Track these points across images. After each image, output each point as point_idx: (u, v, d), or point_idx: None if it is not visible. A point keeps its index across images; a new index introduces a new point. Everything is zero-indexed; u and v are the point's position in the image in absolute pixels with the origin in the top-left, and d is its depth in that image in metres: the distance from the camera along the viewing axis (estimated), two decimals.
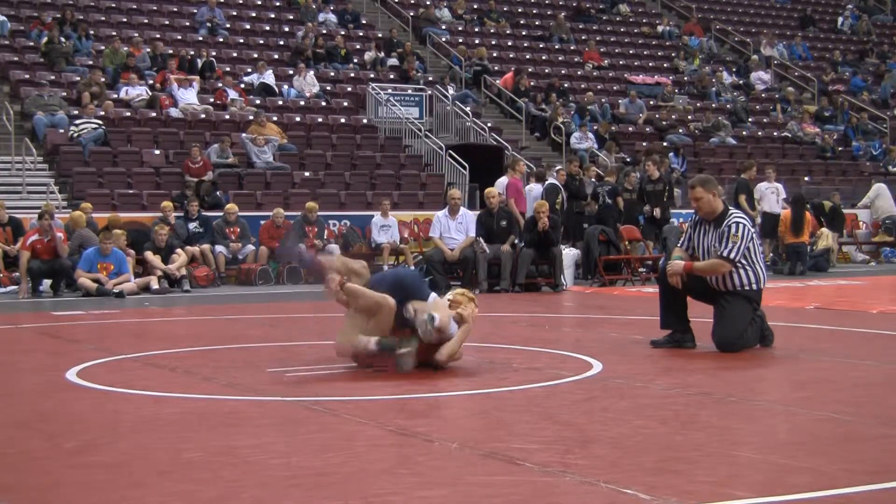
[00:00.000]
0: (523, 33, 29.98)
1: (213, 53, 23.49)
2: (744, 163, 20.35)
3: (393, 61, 25.46)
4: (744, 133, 26.85)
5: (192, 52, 22.75)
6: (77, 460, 4.42)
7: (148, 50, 22.37)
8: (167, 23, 24.85)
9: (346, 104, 23.09)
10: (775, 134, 27.46)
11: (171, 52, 22.66)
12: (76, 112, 19.61)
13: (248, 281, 16.18)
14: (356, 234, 18.17)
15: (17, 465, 4.35)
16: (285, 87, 22.91)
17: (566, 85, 26.88)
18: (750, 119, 27.99)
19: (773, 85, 30.70)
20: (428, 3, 29.29)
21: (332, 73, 24.44)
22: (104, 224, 15.62)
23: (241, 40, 24.97)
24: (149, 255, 15.20)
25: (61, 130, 19.10)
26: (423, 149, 21.93)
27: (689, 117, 26.76)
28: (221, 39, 24.62)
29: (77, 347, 8.66)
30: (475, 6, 30.38)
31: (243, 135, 19.67)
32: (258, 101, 21.83)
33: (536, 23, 30.94)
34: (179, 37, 24.18)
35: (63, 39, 21.89)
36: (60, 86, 20.66)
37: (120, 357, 7.72)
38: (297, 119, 21.87)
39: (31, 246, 14.13)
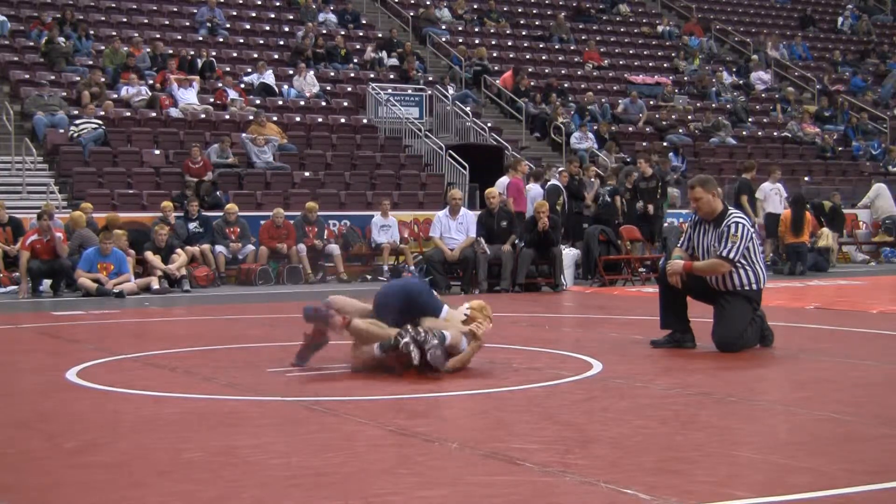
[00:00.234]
0: (523, 33, 29.98)
1: (213, 53, 23.49)
2: (744, 163, 20.35)
3: (393, 61, 25.47)
4: (744, 133, 26.86)
5: (192, 52, 22.75)
6: (77, 460, 4.42)
7: (148, 50, 22.37)
8: (167, 23, 24.85)
9: (346, 104, 23.09)
10: (775, 134, 27.46)
11: (171, 52, 22.66)
12: (76, 112, 19.61)
13: (248, 281, 16.18)
14: (356, 234, 18.17)
15: (17, 465, 4.35)
16: (285, 87, 22.92)
17: (566, 85, 26.88)
18: (750, 119, 28.00)
19: (773, 85, 30.70)
20: (428, 3, 29.29)
21: (332, 73, 24.44)
22: (103, 224, 15.62)
23: (241, 40, 24.97)
24: (149, 255, 15.20)
25: (61, 130, 19.10)
26: (423, 149, 21.93)
27: (689, 117, 26.77)
28: (221, 39, 24.63)
29: (77, 347, 8.66)
30: (475, 6, 30.38)
31: (243, 135, 19.67)
32: (258, 101, 21.84)
33: (536, 23, 30.95)
34: (179, 37, 24.19)
35: (63, 39, 21.89)
36: (60, 86, 20.67)
37: (120, 357, 7.72)
38: (297, 119, 21.87)
39: (30, 246, 14.13)
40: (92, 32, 22.99)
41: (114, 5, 25.02)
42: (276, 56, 24.46)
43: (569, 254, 15.53)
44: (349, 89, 23.89)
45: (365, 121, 22.49)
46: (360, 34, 27.05)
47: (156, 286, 14.75)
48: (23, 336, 9.81)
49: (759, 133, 27.34)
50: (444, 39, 27.48)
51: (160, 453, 4.47)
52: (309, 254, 16.82)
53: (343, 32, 26.31)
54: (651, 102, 27.08)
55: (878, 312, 10.76)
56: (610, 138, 24.00)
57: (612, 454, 4.39)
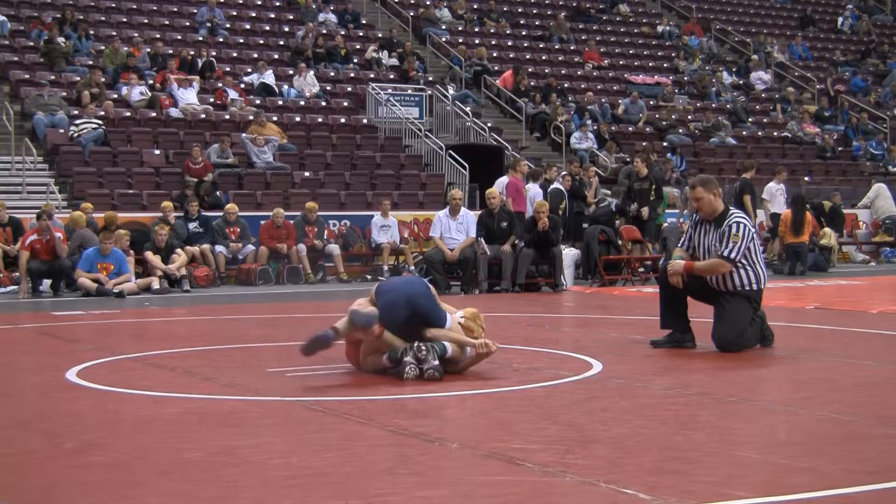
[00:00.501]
0: (523, 33, 29.98)
1: (213, 53, 23.49)
2: (743, 163, 20.34)
3: (393, 61, 25.47)
4: (744, 133, 26.86)
5: (192, 52, 22.75)
6: (77, 460, 4.42)
7: (148, 50, 22.37)
8: (167, 23, 24.85)
9: (346, 104, 23.09)
10: (775, 134, 27.46)
11: (171, 52, 22.66)
12: (76, 112, 19.62)
13: (248, 281, 16.17)
14: (356, 234, 18.17)
15: (17, 465, 4.35)
16: (285, 87, 22.92)
17: (566, 85, 26.88)
18: (750, 119, 28.00)
19: (773, 85, 30.70)
20: (428, 3, 29.28)
21: (332, 73, 24.45)
22: (102, 223, 15.62)
23: (241, 40, 24.97)
24: (149, 255, 15.21)
25: (61, 130, 19.10)
26: (423, 149, 21.93)
27: (689, 117, 26.76)
28: (221, 39, 24.63)
29: (77, 347, 8.66)
30: (475, 6, 30.38)
31: (243, 135, 19.67)
32: (258, 101, 21.84)
33: (536, 23, 30.94)
34: (179, 37, 24.19)
35: (63, 39, 21.89)
36: (60, 86, 20.67)
37: (120, 357, 7.72)
38: (297, 119, 21.87)
39: (30, 246, 14.12)
40: (92, 32, 22.99)
41: (114, 5, 25.02)
42: (276, 56, 24.46)
43: (569, 254, 15.53)
44: (349, 89, 23.89)
45: (365, 121, 22.49)
46: (360, 34, 27.05)
47: (156, 286, 14.75)
48: (23, 336, 9.81)
49: (759, 133, 27.34)
50: (444, 39, 27.48)
51: (160, 453, 4.47)
52: (309, 254, 16.82)
53: (343, 32, 26.31)
54: (651, 102, 27.08)
55: (878, 312, 10.76)
56: (610, 138, 24.00)
57: (612, 454, 4.39)
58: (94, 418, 5.40)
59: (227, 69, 23.06)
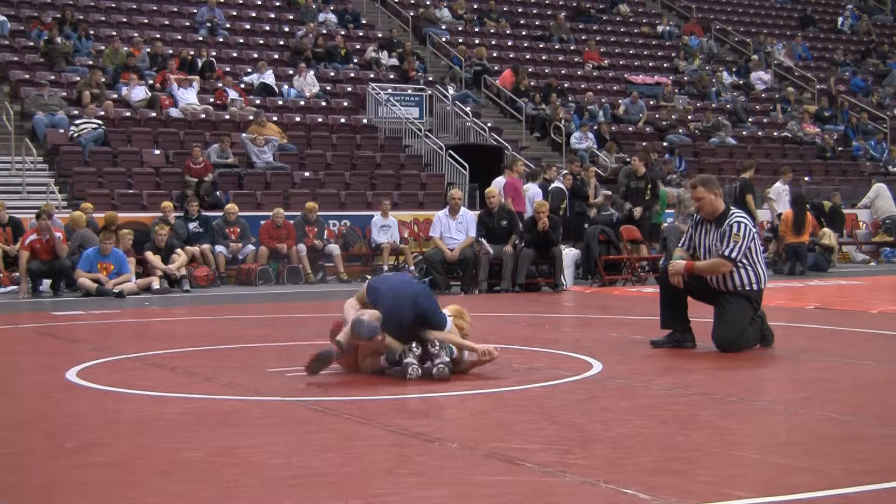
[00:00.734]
0: (523, 33, 29.98)
1: (213, 53, 23.49)
2: (742, 163, 20.33)
3: (393, 61, 25.47)
4: (744, 133, 26.86)
5: (192, 52, 22.75)
6: (77, 460, 4.42)
7: (148, 50, 22.37)
8: (167, 23, 24.85)
9: (346, 104, 23.09)
10: (775, 134, 27.46)
11: (171, 52, 22.66)
12: (76, 112, 19.62)
13: (248, 281, 16.17)
14: (356, 234, 18.17)
15: (17, 465, 4.35)
16: (285, 87, 22.92)
17: (566, 85, 26.88)
18: (750, 119, 27.99)
19: (773, 85, 30.70)
20: (428, 3, 29.28)
21: (332, 73, 24.44)
22: (103, 223, 15.62)
23: (241, 40, 24.97)
24: (149, 255, 15.21)
25: (61, 130, 19.10)
26: (423, 149, 21.93)
27: (689, 117, 26.76)
28: (221, 39, 24.63)
29: (77, 347, 8.66)
30: (475, 6, 30.37)
31: (243, 135, 19.67)
32: (258, 101, 21.84)
33: (536, 23, 30.94)
34: (179, 37, 24.19)
35: (63, 39, 21.89)
36: (60, 86, 20.67)
37: (120, 357, 7.72)
38: (297, 119, 21.87)
39: (29, 246, 14.12)
40: (92, 32, 22.99)
41: (114, 5, 25.02)
42: (276, 56, 24.46)
43: (569, 254, 15.52)
44: (349, 89, 23.89)
45: (365, 121, 22.49)
46: (360, 34, 27.05)
47: (156, 286, 14.75)
48: (23, 336, 9.81)
49: (759, 133, 27.34)
50: (444, 39, 27.48)
51: (160, 453, 4.47)
52: (309, 254, 16.82)
53: (343, 32, 26.31)
54: (651, 102, 27.08)
55: (878, 312, 10.76)
56: (610, 138, 24.00)
57: (612, 454, 4.39)
58: (94, 418, 5.40)
59: (227, 69, 23.06)
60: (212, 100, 21.52)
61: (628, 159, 22.44)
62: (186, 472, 4.14)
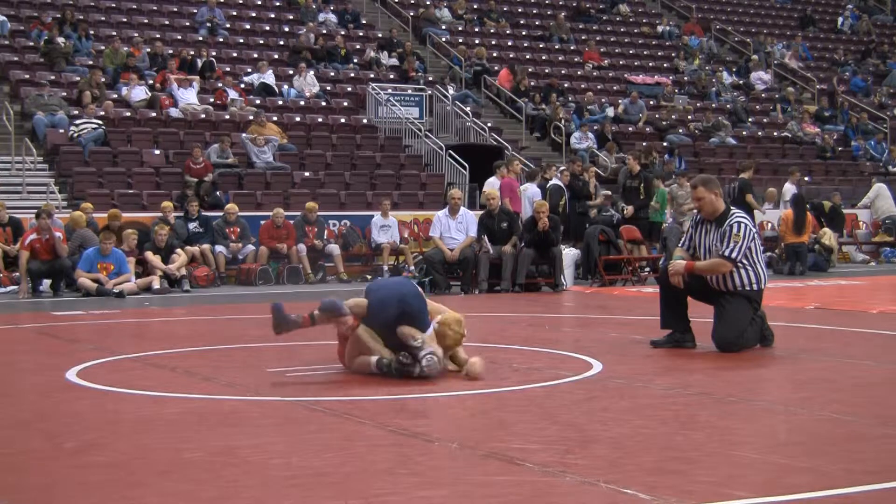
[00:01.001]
0: (523, 33, 29.98)
1: (213, 53, 23.49)
2: (742, 163, 20.33)
3: (393, 61, 25.47)
4: (744, 133, 26.85)
5: (192, 52, 22.75)
6: (77, 460, 4.43)
7: (148, 50, 22.37)
8: (167, 23, 24.85)
9: (346, 104, 23.09)
10: (775, 134, 27.46)
11: (171, 52, 22.66)
12: (76, 112, 19.62)
13: (248, 281, 16.17)
14: (356, 234, 18.16)
15: (17, 465, 4.35)
16: (285, 87, 22.92)
17: (566, 85, 26.87)
18: (750, 119, 27.99)
19: (773, 85, 30.70)
20: (428, 3, 29.29)
21: (332, 73, 24.45)
22: (104, 222, 15.62)
23: (241, 40, 24.97)
24: (149, 255, 15.21)
25: (61, 130, 19.10)
26: (423, 149, 21.93)
27: (689, 117, 26.76)
28: (221, 39, 24.63)
29: (77, 347, 8.66)
30: (475, 6, 30.38)
31: (243, 135, 19.67)
32: (258, 101, 21.84)
33: (536, 23, 30.95)
34: (179, 37, 24.19)
35: (63, 39, 21.89)
36: (60, 86, 20.67)
37: (120, 357, 7.72)
38: (297, 119, 21.87)
39: (29, 246, 14.12)
40: (92, 32, 22.99)
41: (114, 5, 25.02)
42: (276, 56, 24.46)
43: (569, 254, 15.52)
44: (349, 89, 23.89)
45: (365, 121, 22.49)
46: (360, 34, 27.05)
47: (156, 286, 14.75)
48: (23, 336, 9.81)
49: (759, 133, 27.33)
50: (444, 39, 27.47)
51: (160, 453, 4.47)
52: (309, 254, 16.82)
53: (343, 32, 26.31)
54: (651, 102, 27.08)
55: (878, 312, 10.76)
56: (610, 138, 23.99)
57: (612, 454, 4.39)
58: (94, 418, 5.40)
59: (227, 69, 23.06)
60: (212, 100, 21.52)
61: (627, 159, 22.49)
62: (186, 472, 4.14)
